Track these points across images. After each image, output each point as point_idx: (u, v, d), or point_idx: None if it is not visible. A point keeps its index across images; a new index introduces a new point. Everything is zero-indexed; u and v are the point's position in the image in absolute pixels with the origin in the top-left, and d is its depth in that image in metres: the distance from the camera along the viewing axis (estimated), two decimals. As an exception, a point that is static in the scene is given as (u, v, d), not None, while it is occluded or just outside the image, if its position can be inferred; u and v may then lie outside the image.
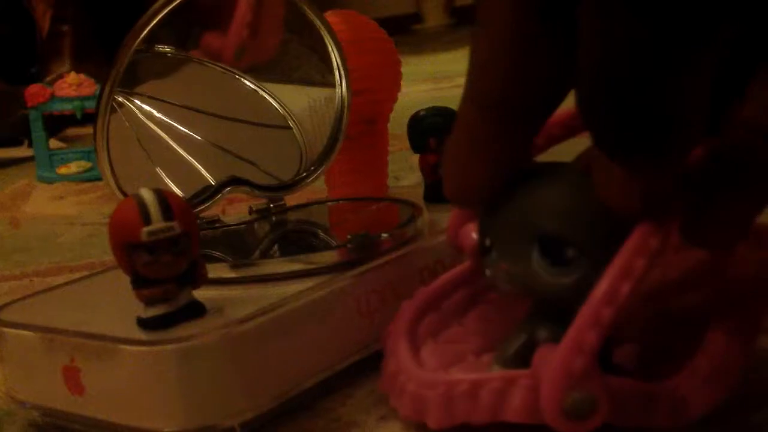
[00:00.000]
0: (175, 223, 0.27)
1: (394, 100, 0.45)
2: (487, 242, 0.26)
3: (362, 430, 0.28)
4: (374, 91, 0.43)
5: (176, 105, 0.40)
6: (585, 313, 0.23)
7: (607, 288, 0.23)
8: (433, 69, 1.62)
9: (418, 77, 1.44)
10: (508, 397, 0.24)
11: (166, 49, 0.40)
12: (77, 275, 0.50)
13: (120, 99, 0.38)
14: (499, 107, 0.23)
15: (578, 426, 0.23)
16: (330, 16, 0.43)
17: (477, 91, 0.23)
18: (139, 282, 0.28)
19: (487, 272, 0.27)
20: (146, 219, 0.27)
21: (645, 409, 0.24)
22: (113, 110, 0.35)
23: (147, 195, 0.27)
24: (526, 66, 0.23)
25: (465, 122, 0.24)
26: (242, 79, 0.42)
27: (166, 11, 0.35)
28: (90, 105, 0.86)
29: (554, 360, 0.23)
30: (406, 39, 2.64)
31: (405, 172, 0.64)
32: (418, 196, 0.40)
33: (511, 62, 0.23)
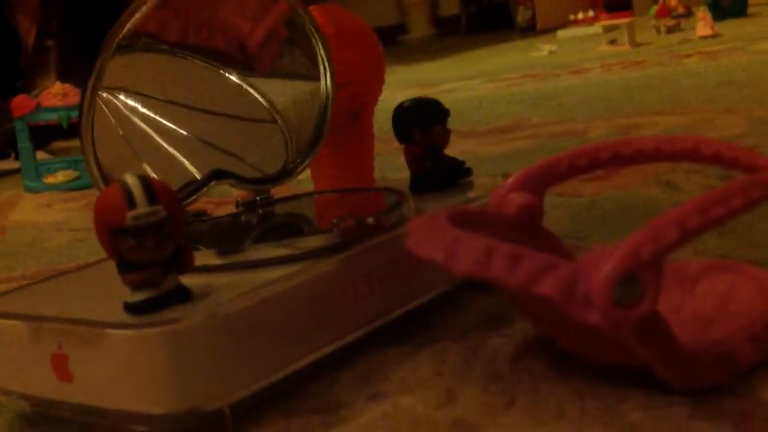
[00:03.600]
0: (159, 207, 0.27)
1: (379, 92, 0.45)
2: None
3: (351, 410, 0.28)
4: (358, 83, 0.43)
5: (161, 100, 0.40)
6: (673, 213, 0.24)
7: (702, 201, 0.24)
8: (420, 77, 1.63)
9: (405, 85, 1.45)
10: (547, 272, 0.24)
11: (150, 42, 0.40)
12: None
13: (104, 95, 0.38)
14: None
15: (619, 312, 0.24)
16: (314, 10, 0.43)
17: None
18: (124, 267, 0.28)
19: None
20: (131, 203, 0.27)
21: (691, 360, 0.25)
22: (97, 106, 0.35)
23: (131, 180, 0.27)
24: None
25: None
26: (227, 73, 0.42)
27: (147, 6, 0.35)
28: (76, 114, 0.86)
29: (625, 241, 0.24)
30: (392, 50, 2.65)
31: (393, 172, 0.64)
32: (404, 186, 0.40)
33: None
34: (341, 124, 0.43)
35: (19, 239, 0.65)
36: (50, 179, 0.84)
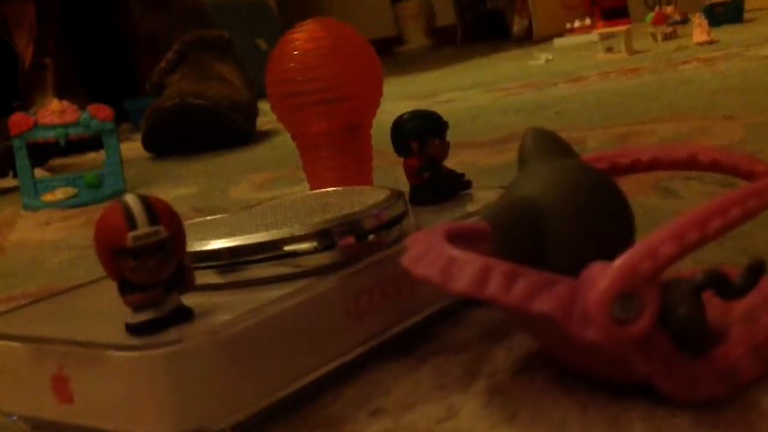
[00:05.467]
0: (160, 228, 0.27)
1: (377, 105, 0.45)
2: None
3: (353, 425, 0.28)
4: (356, 97, 0.43)
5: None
6: (670, 227, 0.24)
7: (700, 214, 0.24)
8: (417, 88, 1.63)
9: (402, 96, 1.45)
10: (544, 289, 0.24)
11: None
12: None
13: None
14: None
15: (615, 327, 0.23)
16: (310, 23, 0.44)
17: None
18: (126, 287, 0.28)
19: None
20: (131, 224, 0.27)
21: (692, 373, 0.25)
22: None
23: (132, 200, 0.27)
24: None
25: None
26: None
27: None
28: (74, 131, 0.86)
29: (622, 258, 0.24)
30: (389, 61, 2.66)
31: (390, 185, 0.64)
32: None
33: None
34: (339, 138, 0.43)
35: (19, 258, 0.65)
36: (49, 197, 0.84)
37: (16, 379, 0.30)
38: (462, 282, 0.25)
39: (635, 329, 0.24)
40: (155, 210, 0.28)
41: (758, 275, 0.27)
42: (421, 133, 0.41)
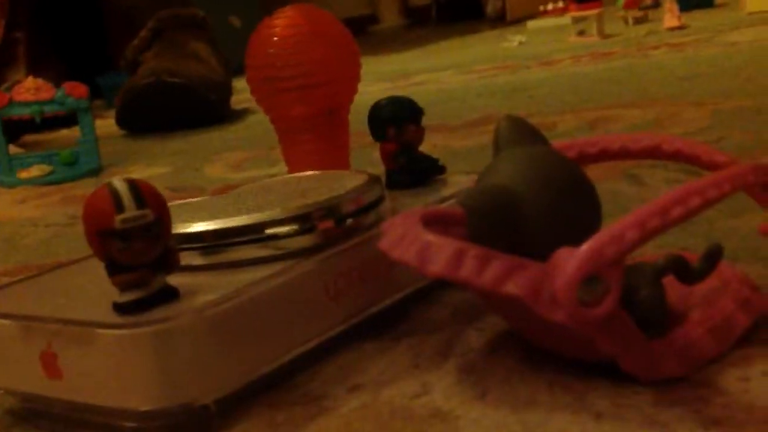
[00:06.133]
0: (147, 211, 0.28)
1: (355, 90, 0.46)
2: None
3: (333, 401, 0.30)
4: (334, 82, 0.44)
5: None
6: (634, 215, 0.25)
7: (663, 203, 0.26)
8: (390, 68, 1.64)
9: (376, 77, 1.46)
10: (515, 273, 0.26)
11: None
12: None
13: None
14: None
15: (581, 309, 0.25)
16: (289, 9, 0.44)
17: None
18: (113, 268, 0.29)
19: None
20: (119, 207, 0.28)
21: (653, 353, 0.27)
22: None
23: (119, 184, 0.28)
24: None
25: None
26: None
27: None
28: (49, 109, 0.86)
29: (588, 242, 0.25)
30: (364, 40, 2.65)
31: (366, 166, 0.65)
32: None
33: None
34: (317, 122, 0.44)
35: (-4, 236, 0.65)
36: (24, 174, 0.84)
37: (6, 354, 0.31)
38: (437, 265, 0.27)
39: (599, 311, 0.25)
40: (142, 194, 0.28)
41: (716, 260, 0.29)
42: (398, 119, 0.42)
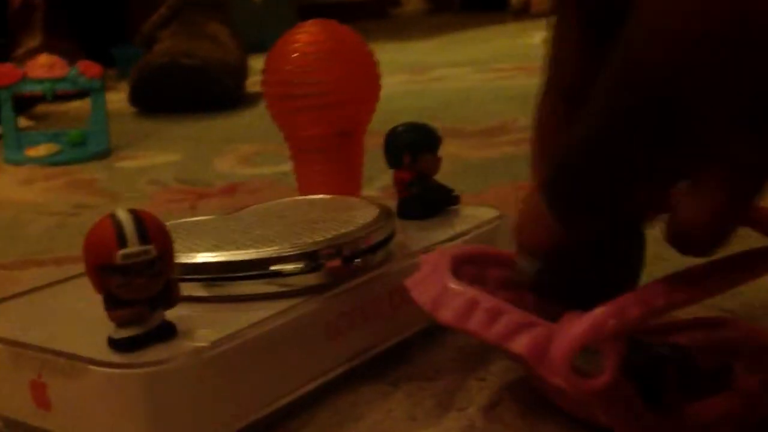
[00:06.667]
0: (150, 247, 0.27)
1: (372, 111, 0.45)
2: None
3: (326, 456, 0.29)
4: (352, 104, 0.43)
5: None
6: (639, 292, 0.25)
7: (668, 284, 0.25)
8: (410, 59, 1.62)
9: (395, 67, 1.44)
10: (523, 331, 0.25)
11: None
12: (44, 270, 0.50)
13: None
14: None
15: (577, 380, 0.24)
16: (311, 25, 0.43)
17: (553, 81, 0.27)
18: (111, 303, 0.28)
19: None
20: (122, 241, 0.27)
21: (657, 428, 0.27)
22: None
23: (123, 216, 0.27)
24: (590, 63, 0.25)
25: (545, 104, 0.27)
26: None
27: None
28: (61, 87, 0.85)
29: (590, 313, 0.24)
30: (384, 24, 2.63)
31: (378, 172, 0.64)
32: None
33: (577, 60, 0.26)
34: (330, 143, 0.43)
35: (-1, 220, 0.64)
36: (32, 152, 0.83)
37: (-6, 378, 0.30)
38: (447, 313, 0.27)
39: (596, 383, 0.25)
40: (146, 228, 0.28)
41: (724, 382, 0.28)
42: (414, 147, 0.41)
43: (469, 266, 0.31)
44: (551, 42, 0.28)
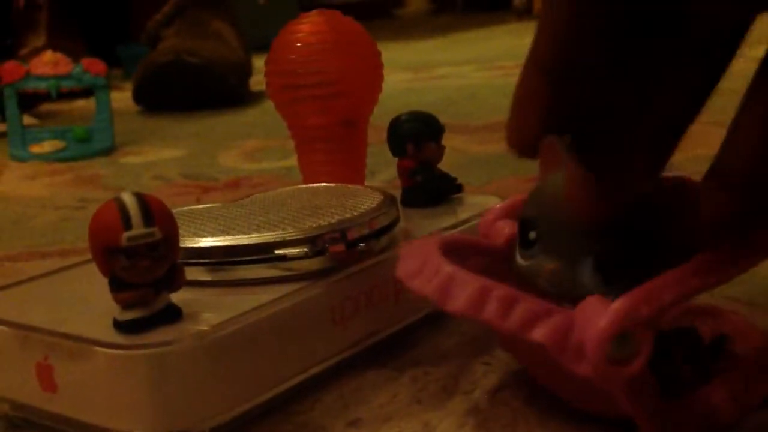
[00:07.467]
0: (155, 229, 0.27)
1: (375, 102, 0.45)
2: (532, 236, 0.27)
3: (330, 436, 0.29)
4: (355, 93, 0.43)
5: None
6: (672, 274, 0.24)
7: (702, 264, 0.24)
8: (413, 58, 1.62)
9: (397, 66, 1.44)
10: (542, 319, 0.24)
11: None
12: (49, 262, 0.51)
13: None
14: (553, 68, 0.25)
15: (611, 368, 0.24)
16: (314, 15, 0.43)
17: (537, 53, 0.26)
18: (116, 285, 0.28)
19: (521, 262, 0.28)
20: (127, 224, 0.27)
21: (673, 416, 0.26)
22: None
23: (128, 199, 0.28)
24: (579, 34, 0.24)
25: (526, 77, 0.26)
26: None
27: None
28: (66, 84, 0.85)
29: (620, 300, 0.24)
30: (388, 23, 2.63)
31: (381, 166, 0.64)
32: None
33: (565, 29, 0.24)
34: (334, 133, 0.43)
35: (4, 215, 0.64)
36: (36, 149, 0.83)
37: (0, 361, 0.30)
38: (459, 303, 0.26)
39: (628, 370, 0.24)
40: (151, 211, 0.28)
41: (718, 352, 0.28)
42: (418, 136, 0.41)
43: (452, 255, 0.31)
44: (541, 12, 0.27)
